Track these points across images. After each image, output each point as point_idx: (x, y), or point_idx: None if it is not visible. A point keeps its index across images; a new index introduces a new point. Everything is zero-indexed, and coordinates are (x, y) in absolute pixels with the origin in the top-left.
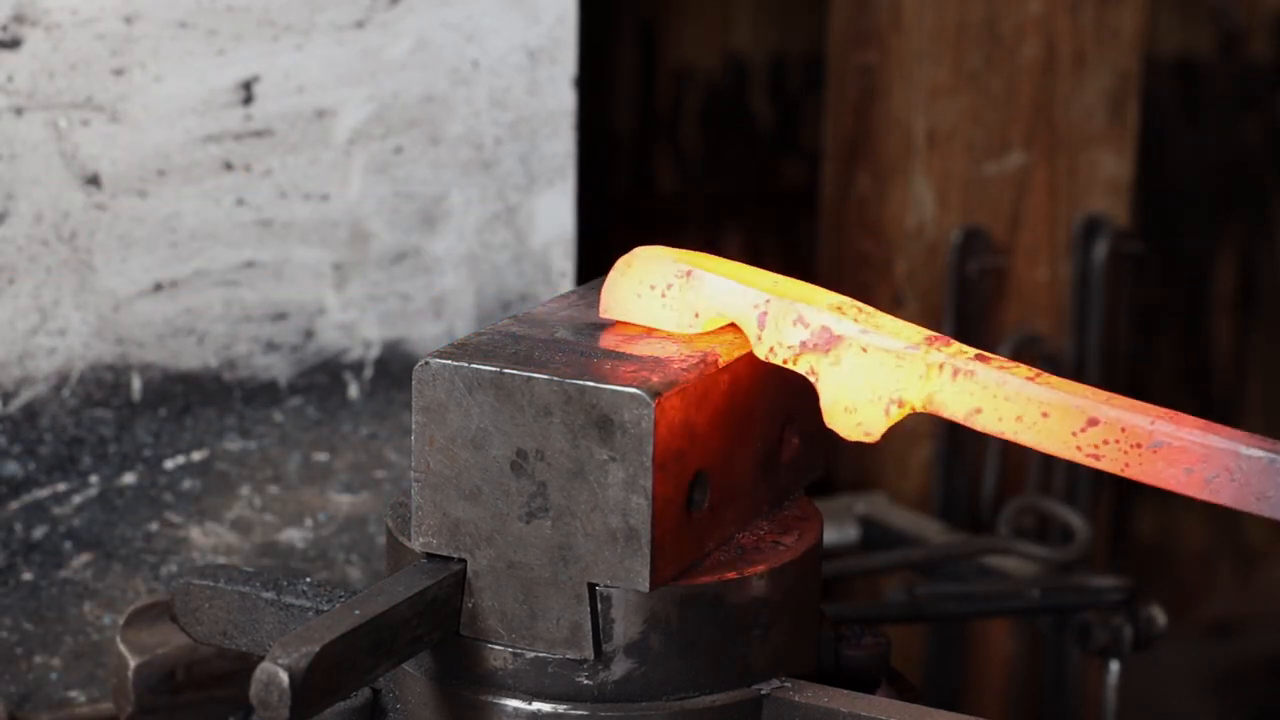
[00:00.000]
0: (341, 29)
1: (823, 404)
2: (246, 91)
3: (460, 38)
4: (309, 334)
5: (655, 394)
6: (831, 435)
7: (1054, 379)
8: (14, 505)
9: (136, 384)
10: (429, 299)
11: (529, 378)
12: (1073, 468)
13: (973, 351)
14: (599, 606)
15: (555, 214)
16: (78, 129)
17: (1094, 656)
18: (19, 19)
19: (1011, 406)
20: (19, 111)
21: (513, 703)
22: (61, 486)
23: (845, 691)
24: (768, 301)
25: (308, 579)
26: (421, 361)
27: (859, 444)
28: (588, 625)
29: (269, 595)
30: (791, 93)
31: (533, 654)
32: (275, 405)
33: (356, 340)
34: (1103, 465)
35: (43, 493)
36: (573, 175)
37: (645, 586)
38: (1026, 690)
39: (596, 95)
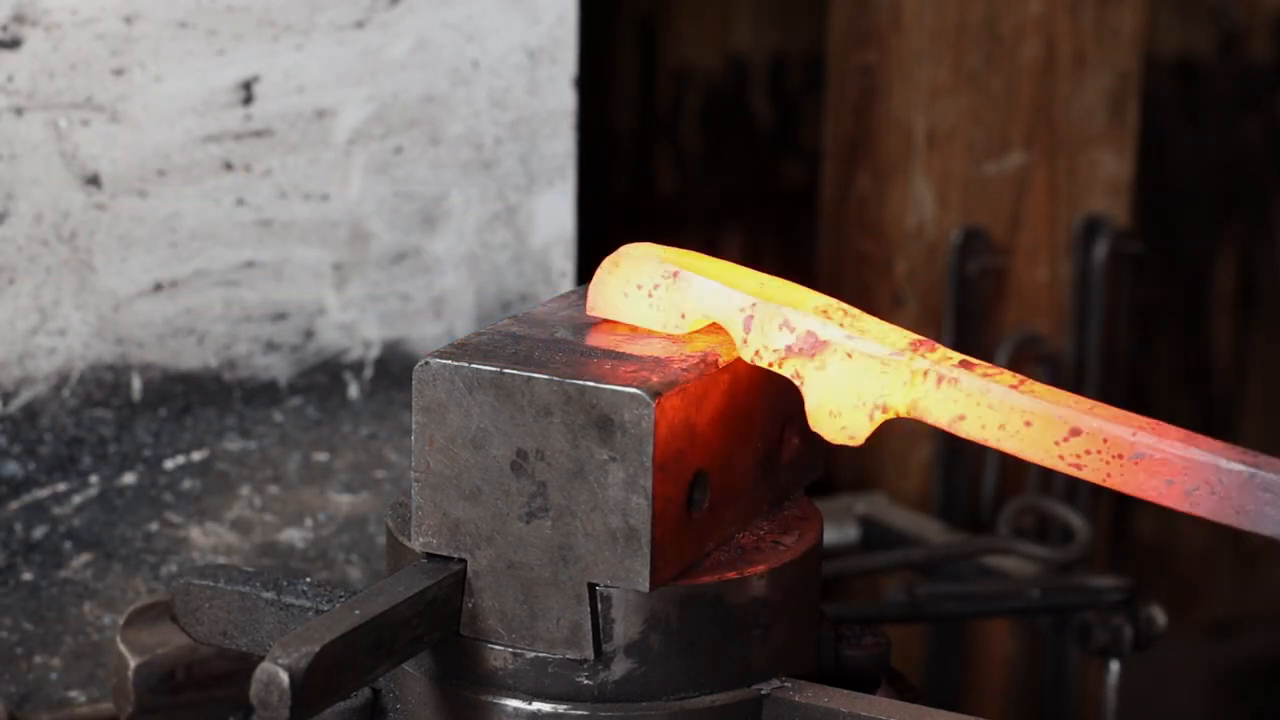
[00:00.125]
0: (341, 29)
1: (808, 407)
2: (246, 91)
3: (460, 38)
4: (309, 334)
5: (655, 394)
6: None
7: (1039, 387)
8: (14, 505)
9: (136, 384)
10: (429, 299)
11: (529, 378)
12: None
13: (957, 358)
14: (599, 606)
15: (555, 214)
16: (78, 129)
17: (1094, 656)
18: (19, 19)
19: (994, 414)
20: (19, 111)
21: (513, 703)
22: (61, 486)
23: (845, 691)
24: (754, 305)
25: (308, 579)
26: (421, 361)
27: None
28: (588, 625)
29: (269, 595)
30: (791, 93)
31: (533, 654)
32: (275, 405)
33: (356, 340)
34: (1085, 475)
35: (43, 493)
36: (573, 175)
37: (645, 586)
38: (1026, 690)
39: (596, 95)
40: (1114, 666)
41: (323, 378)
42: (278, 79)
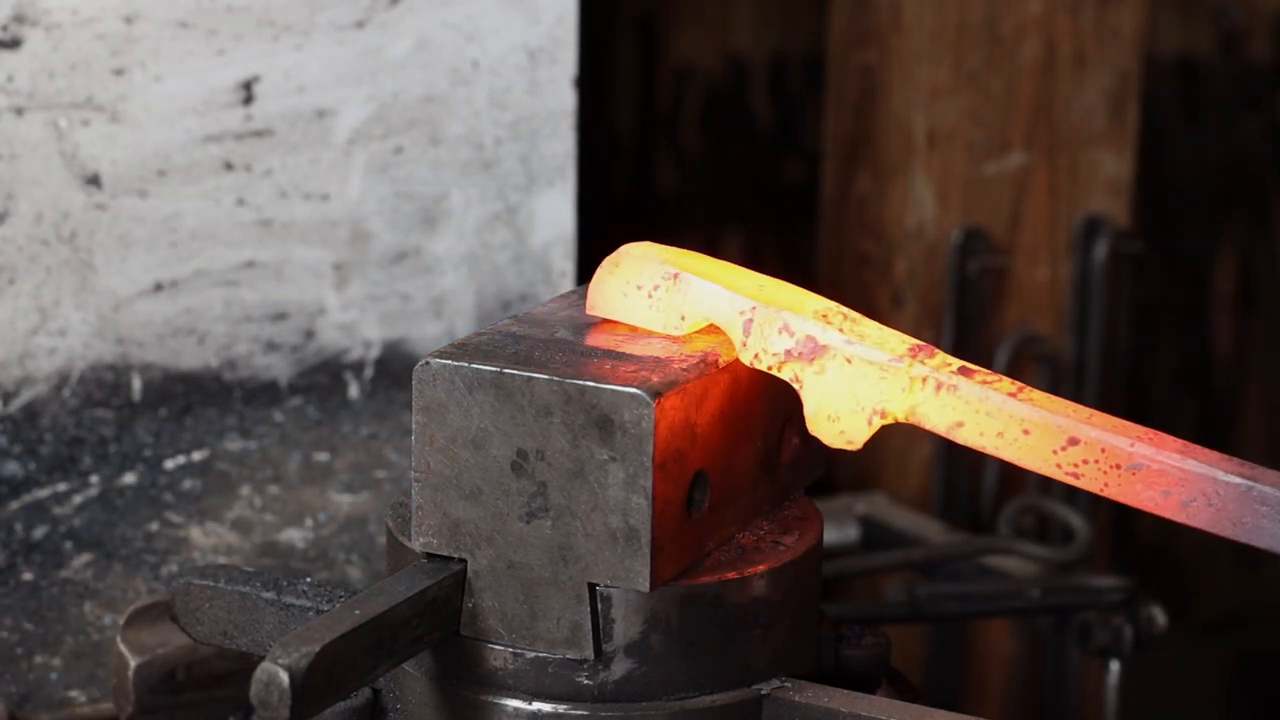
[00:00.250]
0: (341, 29)
1: (806, 411)
2: (246, 91)
3: (460, 38)
4: (309, 334)
5: (655, 394)
6: None
7: (1037, 395)
8: (14, 505)
9: (137, 384)
10: (429, 299)
11: (529, 378)
12: None
13: (957, 364)
14: (599, 606)
15: (555, 214)
16: (78, 129)
17: (1094, 656)
18: (19, 19)
19: (993, 422)
20: (19, 111)
21: (513, 703)
22: (62, 486)
23: (845, 691)
24: (754, 309)
25: (308, 579)
26: (422, 361)
27: None
28: (588, 625)
29: (269, 595)
30: (791, 93)
31: (533, 654)
32: (275, 405)
33: (357, 340)
34: (1082, 484)
35: (43, 493)
36: (573, 175)
37: (645, 586)
38: (1026, 690)
39: (596, 95)
40: (1114, 666)
41: (323, 378)
42: (278, 79)
